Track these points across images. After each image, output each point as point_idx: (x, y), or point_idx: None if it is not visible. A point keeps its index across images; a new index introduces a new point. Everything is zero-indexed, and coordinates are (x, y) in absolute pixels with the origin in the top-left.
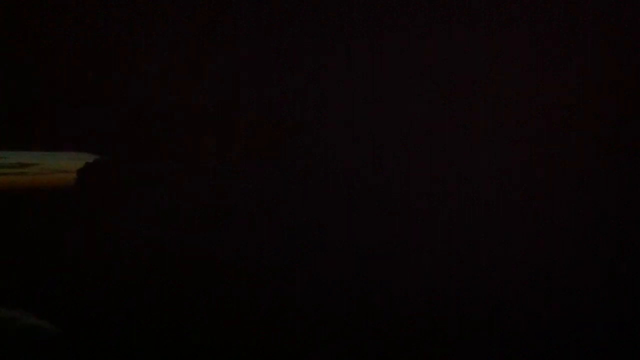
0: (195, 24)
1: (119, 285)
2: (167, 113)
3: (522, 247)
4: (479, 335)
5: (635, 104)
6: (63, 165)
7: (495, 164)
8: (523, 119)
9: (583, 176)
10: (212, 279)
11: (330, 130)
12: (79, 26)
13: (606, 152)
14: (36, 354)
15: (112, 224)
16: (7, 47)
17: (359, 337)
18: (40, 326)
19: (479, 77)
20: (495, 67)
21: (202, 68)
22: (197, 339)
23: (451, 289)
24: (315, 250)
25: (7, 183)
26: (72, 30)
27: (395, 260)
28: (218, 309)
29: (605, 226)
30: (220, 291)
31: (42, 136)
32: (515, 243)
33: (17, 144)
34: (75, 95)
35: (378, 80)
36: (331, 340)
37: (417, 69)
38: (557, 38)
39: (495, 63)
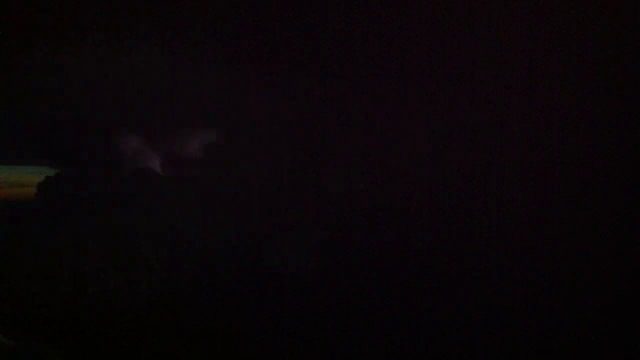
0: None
1: (73, 302)
2: (137, 131)
3: (522, 247)
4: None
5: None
6: (22, 179)
7: (494, 164)
8: (522, 118)
9: (583, 176)
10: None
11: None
12: (41, 37)
13: (606, 151)
14: None
15: (72, 239)
16: None
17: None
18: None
19: (478, 76)
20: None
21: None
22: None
23: (450, 290)
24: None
25: None
26: (32, 39)
27: (395, 262)
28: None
29: (605, 226)
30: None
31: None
32: (515, 244)
33: None
34: (35, 108)
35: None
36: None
37: (417, 75)
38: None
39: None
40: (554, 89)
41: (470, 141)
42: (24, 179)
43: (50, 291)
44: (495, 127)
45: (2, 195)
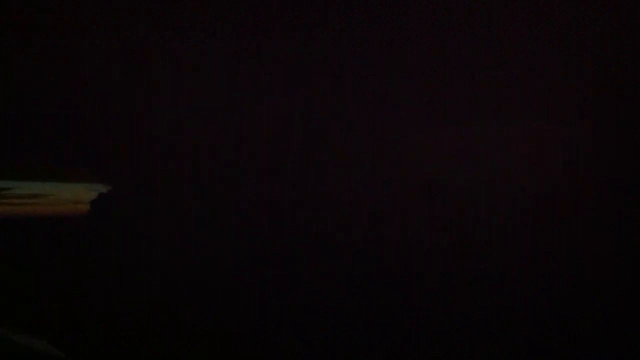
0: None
1: (124, 314)
2: (184, 150)
3: (522, 248)
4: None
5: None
6: (76, 195)
7: (494, 166)
8: (522, 120)
9: (583, 176)
10: (225, 312)
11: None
12: (96, 62)
13: (607, 152)
14: None
15: (123, 255)
16: (21, 79)
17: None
18: (36, 347)
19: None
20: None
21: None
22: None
23: (449, 291)
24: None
25: (19, 213)
26: (87, 61)
27: (395, 263)
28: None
29: (605, 226)
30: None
31: (54, 167)
32: (515, 244)
33: (29, 175)
34: (90, 125)
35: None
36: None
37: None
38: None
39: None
40: (554, 89)
41: (470, 141)
42: (77, 195)
43: (99, 305)
44: (495, 127)
45: (55, 211)
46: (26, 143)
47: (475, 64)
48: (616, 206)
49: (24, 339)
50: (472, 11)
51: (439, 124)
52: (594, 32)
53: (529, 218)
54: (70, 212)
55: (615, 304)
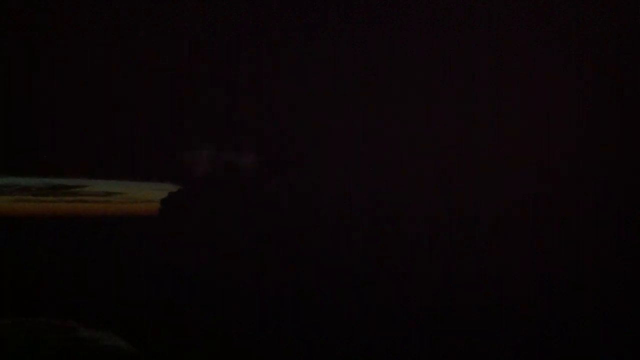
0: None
1: (198, 311)
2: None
3: (522, 248)
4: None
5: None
6: (147, 194)
7: (495, 167)
8: (523, 122)
9: (583, 175)
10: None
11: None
12: (161, 66)
13: (607, 152)
14: None
15: (194, 252)
16: (90, 84)
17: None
18: (121, 348)
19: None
20: (495, 67)
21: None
22: None
23: (451, 290)
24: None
25: (93, 211)
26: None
27: (395, 262)
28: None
29: (605, 226)
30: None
31: (127, 166)
32: (515, 244)
33: (104, 173)
34: (161, 127)
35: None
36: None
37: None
38: (557, 37)
39: (496, 63)
40: (554, 89)
41: (470, 141)
42: (148, 194)
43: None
44: (495, 128)
45: (126, 209)
46: (99, 143)
47: (475, 64)
48: (616, 206)
49: (93, 333)
50: (472, 11)
51: (439, 123)
52: (594, 32)
53: (529, 217)
54: (141, 210)
55: (615, 303)
